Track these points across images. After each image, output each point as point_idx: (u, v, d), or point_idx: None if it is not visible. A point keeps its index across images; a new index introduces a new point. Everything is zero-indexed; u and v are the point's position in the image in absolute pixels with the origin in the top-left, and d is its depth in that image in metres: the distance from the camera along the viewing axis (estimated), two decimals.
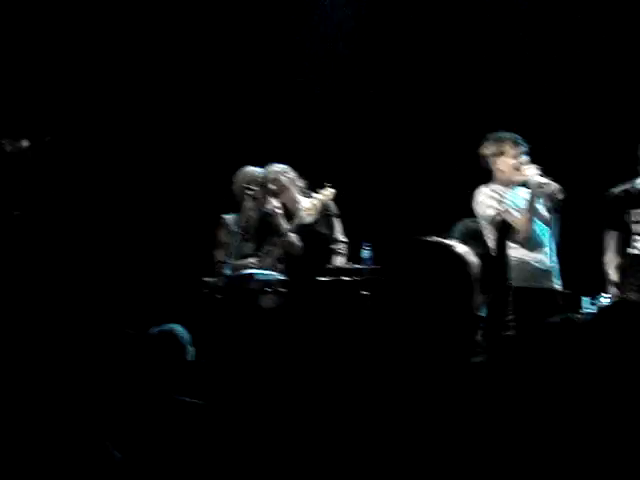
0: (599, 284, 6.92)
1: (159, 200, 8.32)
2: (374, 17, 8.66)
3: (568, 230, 7.37)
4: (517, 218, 6.24)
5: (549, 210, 6.37)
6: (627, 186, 6.48)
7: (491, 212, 6.29)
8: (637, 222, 6.44)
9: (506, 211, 6.28)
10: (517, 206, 6.35)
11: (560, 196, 6.20)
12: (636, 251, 6.43)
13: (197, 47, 8.52)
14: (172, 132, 8.47)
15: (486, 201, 6.32)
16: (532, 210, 6.24)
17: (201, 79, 8.53)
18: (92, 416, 2.71)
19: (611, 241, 6.53)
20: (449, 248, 2.31)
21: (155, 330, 4.06)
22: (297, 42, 8.63)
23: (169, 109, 8.50)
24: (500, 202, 6.29)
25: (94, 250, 7.85)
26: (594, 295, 7.01)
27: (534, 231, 6.30)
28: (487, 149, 6.38)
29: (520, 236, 6.24)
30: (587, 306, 7.11)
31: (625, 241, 6.48)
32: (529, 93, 8.19)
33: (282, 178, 6.89)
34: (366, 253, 6.57)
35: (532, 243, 6.32)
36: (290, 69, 8.59)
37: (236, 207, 6.93)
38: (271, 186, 6.86)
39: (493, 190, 6.35)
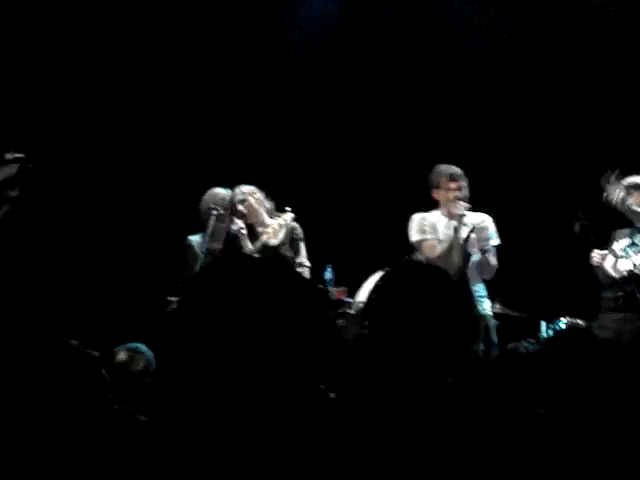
0: (558, 309, 7.04)
1: (126, 220, 8.36)
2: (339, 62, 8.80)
3: (528, 256, 7.52)
4: (434, 249, 6.49)
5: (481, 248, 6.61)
6: None
7: (413, 239, 6.60)
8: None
9: (423, 240, 6.53)
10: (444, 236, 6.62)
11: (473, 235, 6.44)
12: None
13: (167, 70, 8.59)
14: (139, 152, 8.52)
15: (412, 228, 6.63)
16: (453, 244, 6.47)
17: (169, 99, 8.59)
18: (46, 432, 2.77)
19: None
20: (441, 270, 2.42)
21: (119, 348, 4.14)
22: (267, 72, 8.75)
23: (134, 128, 8.54)
24: (423, 231, 6.54)
25: (58, 268, 7.87)
26: (553, 320, 7.13)
27: (454, 262, 6.47)
28: (429, 180, 6.68)
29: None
30: (545, 331, 7.23)
31: None
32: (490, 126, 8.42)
33: (250, 199, 6.92)
34: (328, 275, 6.68)
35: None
36: (260, 93, 8.69)
37: (202, 228, 6.96)
38: (238, 207, 6.90)
39: (423, 218, 6.64)
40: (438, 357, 2.31)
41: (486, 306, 6.68)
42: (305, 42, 8.79)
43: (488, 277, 6.69)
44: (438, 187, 6.61)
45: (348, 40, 8.80)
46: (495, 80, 8.53)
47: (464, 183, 6.58)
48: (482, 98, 8.56)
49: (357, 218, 8.43)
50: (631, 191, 6.54)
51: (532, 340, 4.41)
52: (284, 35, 8.75)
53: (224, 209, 6.85)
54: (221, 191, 6.98)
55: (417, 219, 6.64)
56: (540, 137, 8.55)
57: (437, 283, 2.36)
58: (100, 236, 8.25)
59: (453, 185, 6.55)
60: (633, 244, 6.57)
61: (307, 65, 8.75)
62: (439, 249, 6.48)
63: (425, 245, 6.52)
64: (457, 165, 6.75)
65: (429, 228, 6.58)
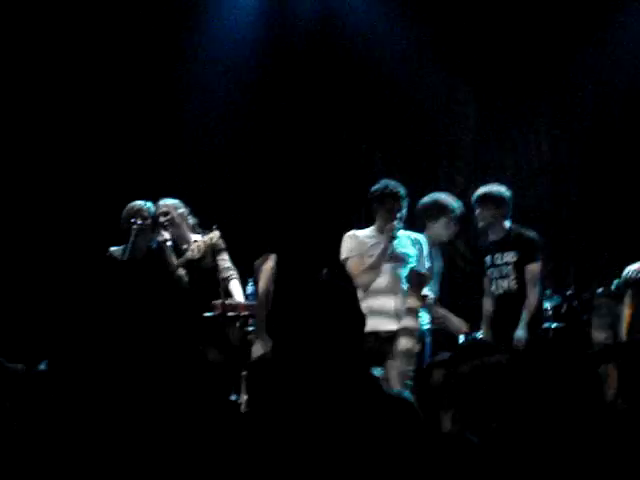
0: (476, 322, 7.16)
1: (47, 231, 8.31)
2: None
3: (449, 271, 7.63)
4: (359, 267, 6.53)
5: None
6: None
7: (341, 257, 6.61)
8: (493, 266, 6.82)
9: (348, 258, 6.56)
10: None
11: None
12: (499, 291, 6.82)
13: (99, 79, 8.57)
14: (62, 163, 8.47)
15: (342, 246, 6.64)
16: (376, 263, 6.50)
17: (92, 112, 8.57)
18: None
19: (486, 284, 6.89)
20: (341, 288, 2.51)
21: (43, 366, 4.13)
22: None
23: (57, 140, 8.50)
24: (351, 249, 6.58)
25: None
26: (471, 332, 7.25)
27: (381, 278, 6.52)
28: (372, 195, 6.67)
29: (357, 283, 6.48)
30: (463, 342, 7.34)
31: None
32: None
33: (173, 213, 6.93)
34: (251, 289, 6.71)
35: (373, 290, 6.51)
36: (184, 109, 8.73)
37: (124, 240, 6.88)
38: (160, 219, 6.91)
39: (353, 236, 6.64)
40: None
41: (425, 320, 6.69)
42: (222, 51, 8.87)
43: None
44: (381, 204, 6.59)
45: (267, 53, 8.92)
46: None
47: (405, 203, 6.59)
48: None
49: (281, 232, 8.49)
50: (475, 206, 6.77)
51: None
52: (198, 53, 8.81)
53: (145, 221, 6.85)
54: (142, 204, 6.96)
55: (347, 237, 6.64)
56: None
57: (335, 302, 2.45)
58: (21, 248, 8.19)
59: (397, 204, 6.54)
60: (493, 265, 6.78)
61: (226, 86, 8.81)
62: (364, 265, 6.53)
63: (350, 262, 6.57)
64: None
65: (357, 245, 6.59)
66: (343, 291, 2.53)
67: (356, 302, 2.50)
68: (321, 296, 2.46)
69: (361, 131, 8.87)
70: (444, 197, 6.91)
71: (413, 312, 4.87)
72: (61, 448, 2.77)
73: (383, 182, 6.66)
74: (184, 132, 8.75)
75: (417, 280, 5.20)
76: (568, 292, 7.33)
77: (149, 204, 6.95)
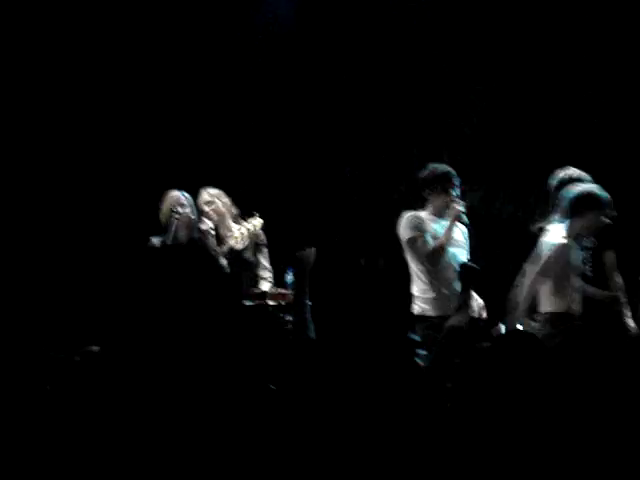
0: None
1: (88, 221, 8.39)
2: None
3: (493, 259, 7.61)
4: (428, 246, 6.45)
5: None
6: None
7: (407, 236, 6.50)
8: None
9: (416, 237, 6.47)
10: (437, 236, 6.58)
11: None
12: None
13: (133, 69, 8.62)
14: (100, 153, 8.54)
15: (405, 226, 6.53)
16: (443, 242, 6.45)
17: (130, 102, 8.63)
18: None
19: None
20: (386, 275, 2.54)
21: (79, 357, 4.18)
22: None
23: (96, 130, 8.57)
24: (417, 229, 6.50)
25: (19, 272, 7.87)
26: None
27: (447, 261, 6.48)
28: (423, 178, 6.61)
29: (428, 263, 6.45)
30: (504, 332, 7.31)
31: None
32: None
33: (217, 202, 7.01)
34: (290, 278, 6.74)
35: (444, 272, 6.49)
36: (232, 97, 8.75)
37: (164, 229, 6.94)
38: (205, 208, 6.98)
39: (416, 216, 6.56)
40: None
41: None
42: (262, 44, 8.85)
43: None
44: (435, 186, 6.54)
45: (304, 40, 8.89)
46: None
47: (458, 182, 6.56)
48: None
49: (319, 220, 8.51)
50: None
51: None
52: (240, 39, 8.80)
53: (185, 210, 6.88)
54: (180, 193, 7.00)
55: (409, 217, 6.54)
56: None
57: (377, 288, 2.48)
58: (63, 240, 8.28)
59: (452, 184, 6.51)
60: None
61: (265, 74, 8.81)
62: (430, 247, 6.47)
63: (417, 242, 6.48)
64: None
65: (422, 225, 6.52)
66: (387, 278, 2.55)
67: (403, 288, 2.53)
68: (364, 283, 2.49)
69: (398, 120, 8.84)
70: (598, 190, 6.26)
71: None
72: (107, 428, 2.81)
73: (430, 167, 6.61)
74: (223, 123, 8.77)
75: (469, 275, 5.13)
76: None
77: (185, 194, 6.99)
